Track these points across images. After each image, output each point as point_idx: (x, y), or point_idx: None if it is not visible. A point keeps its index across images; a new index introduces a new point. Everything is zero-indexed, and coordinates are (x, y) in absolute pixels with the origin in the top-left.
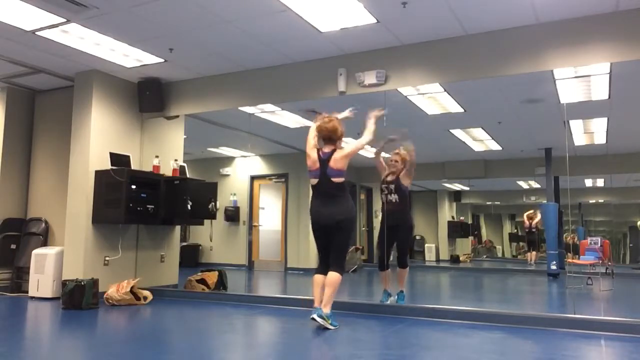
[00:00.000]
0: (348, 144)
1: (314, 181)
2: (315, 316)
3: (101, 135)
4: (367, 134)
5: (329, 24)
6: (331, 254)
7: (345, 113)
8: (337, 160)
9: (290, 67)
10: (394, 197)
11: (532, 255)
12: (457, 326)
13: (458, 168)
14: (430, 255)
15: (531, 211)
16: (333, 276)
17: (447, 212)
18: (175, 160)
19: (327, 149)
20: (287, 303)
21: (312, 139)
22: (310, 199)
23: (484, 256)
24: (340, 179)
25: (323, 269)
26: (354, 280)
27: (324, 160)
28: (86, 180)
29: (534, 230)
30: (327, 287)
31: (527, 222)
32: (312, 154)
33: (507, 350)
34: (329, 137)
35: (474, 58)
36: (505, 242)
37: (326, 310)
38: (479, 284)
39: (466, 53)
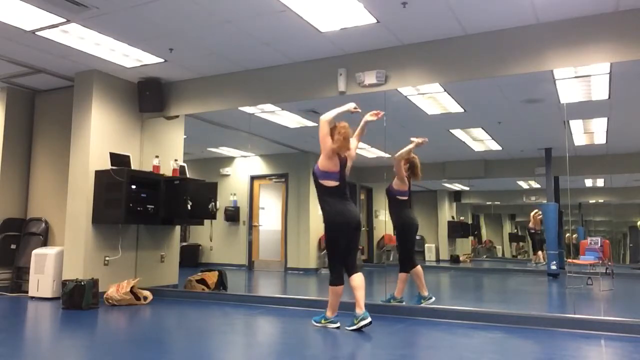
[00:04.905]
0: (351, 152)
1: (333, 183)
2: (369, 320)
3: (101, 135)
4: (359, 138)
5: (329, 24)
6: (352, 257)
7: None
8: (349, 168)
9: (290, 67)
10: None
11: (540, 256)
12: (457, 326)
13: (458, 168)
14: (430, 255)
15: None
16: (362, 277)
17: (447, 212)
18: (175, 160)
19: (343, 154)
20: (287, 303)
21: (329, 139)
22: (329, 202)
23: (484, 256)
24: None
25: (342, 277)
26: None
27: (343, 165)
28: (86, 180)
29: (538, 230)
30: (362, 288)
31: (533, 223)
32: (336, 159)
33: (507, 350)
34: (349, 142)
35: (474, 58)
36: (505, 242)
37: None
38: (479, 284)
39: (466, 53)
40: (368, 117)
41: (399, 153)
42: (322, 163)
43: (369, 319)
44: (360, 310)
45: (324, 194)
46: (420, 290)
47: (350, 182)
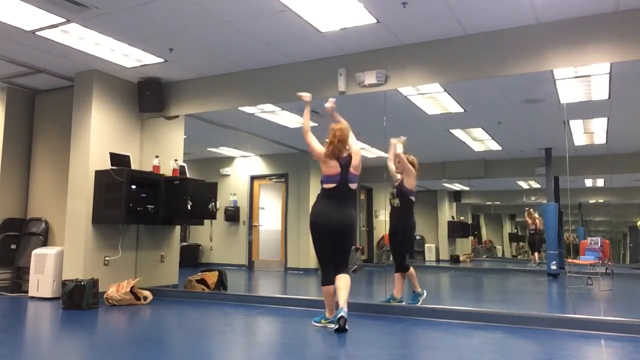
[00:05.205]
0: (355, 148)
1: (330, 186)
2: (344, 315)
3: (101, 135)
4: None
5: (329, 24)
6: (339, 257)
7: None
8: (357, 166)
9: (290, 67)
10: (396, 202)
11: (537, 256)
12: (457, 326)
13: (458, 168)
14: (430, 255)
15: (532, 211)
16: (347, 278)
17: (447, 212)
18: (175, 160)
19: (344, 154)
20: (287, 303)
21: (317, 143)
22: (318, 202)
23: (484, 256)
24: (356, 185)
25: (331, 277)
26: (354, 280)
27: (345, 165)
28: (86, 180)
29: (539, 230)
30: (344, 288)
31: (530, 223)
32: (333, 162)
33: (507, 350)
34: (345, 143)
35: (474, 58)
36: (505, 242)
37: (346, 309)
38: (479, 284)
39: (466, 53)
40: (328, 105)
41: (399, 153)
42: (322, 169)
43: (336, 324)
44: (338, 308)
45: (321, 194)
46: (415, 287)
47: None
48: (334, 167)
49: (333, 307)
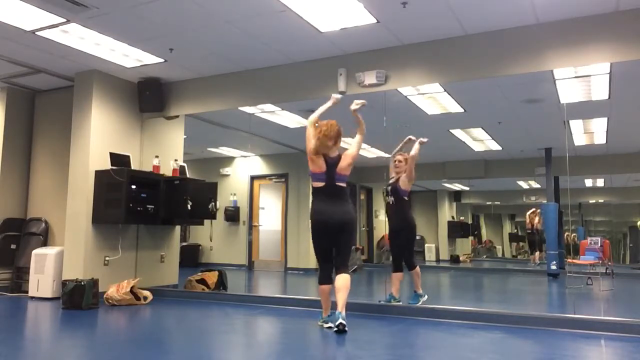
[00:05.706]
0: (350, 146)
1: (319, 184)
2: (343, 322)
3: (101, 135)
4: (360, 131)
5: (329, 24)
6: (339, 256)
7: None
8: (345, 167)
9: (290, 67)
10: (391, 199)
11: (537, 256)
12: (457, 326)
13: (458, 168)
14: (430, 255)
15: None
16: (346, 278)
17: (447, 212)
18: (175, 160)
19: (332, 154)
20: (287, 303)
21: (312, 142)
22: (312, 201)
23: (484, 256)
24: (345, 184)
25: (327, 276)
26: (354, 281)
27: (332, 165)
28: (86, 180)
29: (535, 230)
30: (343, 290)
31: (529, 223)
32: (319, 160)
33: (507, 350)
34: (335, 142)
35: (474, 58)
36: (505, 242)
37: (344, 313)
38: (479, 284)
39: (466, 53)
40: (353, 106)
41: (413, 154)
42: (309, 165)
43: (334, 325)
44: (337, 310)
45: (313, 194)
46: (417, 287)
47: (349, 182)
48: (319, 166)
49: (328, 307)
